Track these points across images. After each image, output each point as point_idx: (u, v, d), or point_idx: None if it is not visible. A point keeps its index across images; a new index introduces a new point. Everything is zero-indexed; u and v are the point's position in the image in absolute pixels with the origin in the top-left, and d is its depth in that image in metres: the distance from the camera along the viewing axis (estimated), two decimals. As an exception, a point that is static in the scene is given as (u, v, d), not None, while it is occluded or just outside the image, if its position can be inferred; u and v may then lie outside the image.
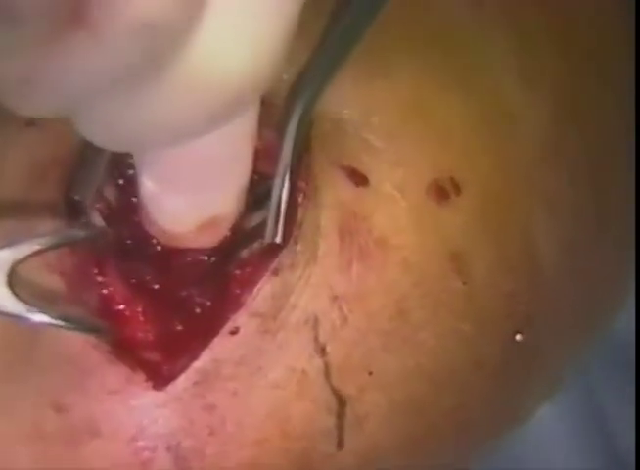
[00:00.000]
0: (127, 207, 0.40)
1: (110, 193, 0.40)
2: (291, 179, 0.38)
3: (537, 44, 0.46)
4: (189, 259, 0.40)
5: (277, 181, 0.38)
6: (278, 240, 0.38)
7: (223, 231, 0.39)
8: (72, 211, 0.39)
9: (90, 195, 0.39)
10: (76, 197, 0.39)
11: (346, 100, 0.41)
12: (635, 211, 0.42)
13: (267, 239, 0.38)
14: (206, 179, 0.35)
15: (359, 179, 0.41)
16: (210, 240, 0.39)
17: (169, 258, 0.39)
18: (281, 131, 0.37)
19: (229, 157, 0.35)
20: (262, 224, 0.38)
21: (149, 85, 0.25)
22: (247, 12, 0.25)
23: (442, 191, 0.41)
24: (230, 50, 0.25)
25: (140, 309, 0.40)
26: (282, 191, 0.38)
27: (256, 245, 0.39)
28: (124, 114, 0.26)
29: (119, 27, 0.22)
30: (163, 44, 0.24)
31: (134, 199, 0.39)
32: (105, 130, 0.28)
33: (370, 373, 0.40)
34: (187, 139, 0.29)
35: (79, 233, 0.39)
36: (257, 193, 0.39)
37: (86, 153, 0.39)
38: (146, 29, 0.22)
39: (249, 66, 0.26)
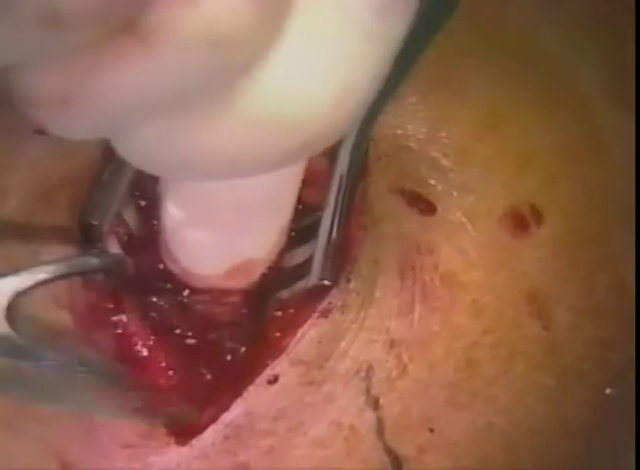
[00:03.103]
0: (150, 234, 0.36)
1: (130, 217, 0.36)
2: (342, 209, 0.34)
3: (628, 59, 0.40)
4: (219, 299, 0.36)
5: (326, 212, 0.34)
6: (327, 282, 0.34)
7: (257, 274, 0.35)
8: (86, 236, 0.35)
9: (108, 219, 0.35)
10: (92, 221, 0.35)
11: (410, 113, 0.38)
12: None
13: (313, 279, 0.34)
14: (243, 217, 0.31)
15: (424, 206, 0.37)
16: (242, 283, 0.35)
17: (197, 296, 0.36)
18: (333, 155, 0.34)
19: (274, 194, 0.31)
20: (307, 261, 0.34)
21: (209, 111, 0.21)
22: (338, 41, 0.21)
23: (520, 220, 0.37)
24: (312, 86, 0.21)
25: (162, 353, 0.36)
26: (333, 223, 0.34)
27: (300, 285, 0.35)
28: (176, 138, 0.22)
29: (178, 40, 0.18)
30: (230, 64, 0.20)
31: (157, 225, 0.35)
32: (149, 153, 0.24)
33: (431, 430, 0.36)
34: (243, 177, 0.25)
35: (93, 262, 0.35)
36: (301, 225, 0.35)
37: (105, 171, 0.35)
38: (210, 45, 0.19)
39: (333, 108, 0.22)
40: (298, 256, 0.35)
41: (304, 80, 0.21)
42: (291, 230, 0.35)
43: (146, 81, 0.19)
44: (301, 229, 0.35)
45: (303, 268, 0.34)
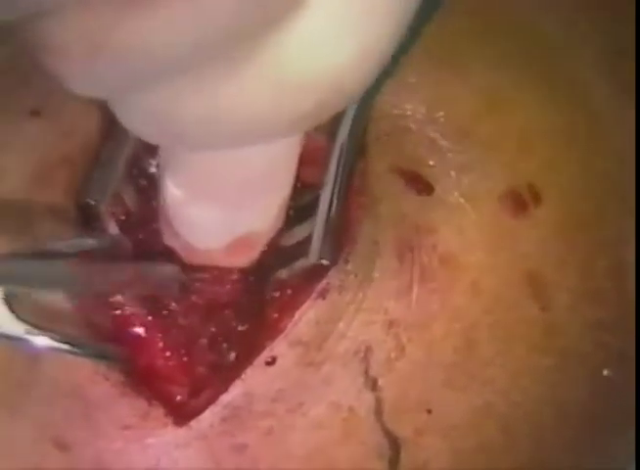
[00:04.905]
0: (149, 213, 0.35)
1: (129, 196, 0.35)
2: (341, 188, 0.34)
3: (628, 43, 0.40)
4: (219, 278, 0.35)
5: (325, 191, 0.33)
6: (326, 261, 0.34)
7: (257, 251, 0.35)
8: (84, 216, 0.35)
9: (106, 198, 0.34)
10: (90, 201, 0.34)
11: (409, 93, 0.37)
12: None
13: (312, 258, 0.34)
14: (244, 191, 0.31)
15: (422, 186, 0.37)
16: (242, 260, 0.35)
17: (196, 275, 0.35)
18: (332, 133, 0.33)
19: (275, 167, 0.30)
20: (306, 240, 0.34)
21: (233, 67, 0.21)
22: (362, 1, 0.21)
23: (519, 201, 0.37)
24: (337, 41, 0.21)
25: (160, 334, 0.35)
26: (332, 202, 0.33)
27: (298, 264, 0.34)
28: (196, 98, 0.22)
29: None
30: (266, 11, 0.19)
31: (156, 203, 0.34)
32: (159, 118, 0.23)
33: (429, 412, 0.36)
34: (258, 142, 0.25)
35: (90, 242, 0.34)
36: (300, 204, 0.35)
37: (103, 150, 0.34)
38: None
39: (355, 64, 0.22)
40: (297, 235, 0.35)
41: (328, 39, 0.21)
42: (289, 209, 0.34)
43: (180, 27, 0.18)
44: (300, 208, 0.35)
45: (302, 247, 0.34)
